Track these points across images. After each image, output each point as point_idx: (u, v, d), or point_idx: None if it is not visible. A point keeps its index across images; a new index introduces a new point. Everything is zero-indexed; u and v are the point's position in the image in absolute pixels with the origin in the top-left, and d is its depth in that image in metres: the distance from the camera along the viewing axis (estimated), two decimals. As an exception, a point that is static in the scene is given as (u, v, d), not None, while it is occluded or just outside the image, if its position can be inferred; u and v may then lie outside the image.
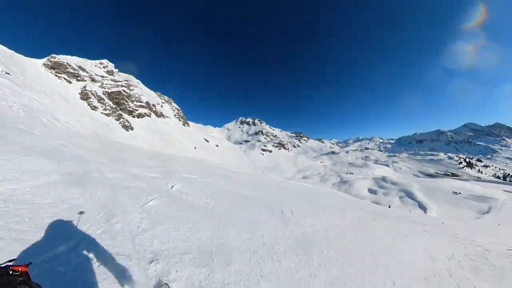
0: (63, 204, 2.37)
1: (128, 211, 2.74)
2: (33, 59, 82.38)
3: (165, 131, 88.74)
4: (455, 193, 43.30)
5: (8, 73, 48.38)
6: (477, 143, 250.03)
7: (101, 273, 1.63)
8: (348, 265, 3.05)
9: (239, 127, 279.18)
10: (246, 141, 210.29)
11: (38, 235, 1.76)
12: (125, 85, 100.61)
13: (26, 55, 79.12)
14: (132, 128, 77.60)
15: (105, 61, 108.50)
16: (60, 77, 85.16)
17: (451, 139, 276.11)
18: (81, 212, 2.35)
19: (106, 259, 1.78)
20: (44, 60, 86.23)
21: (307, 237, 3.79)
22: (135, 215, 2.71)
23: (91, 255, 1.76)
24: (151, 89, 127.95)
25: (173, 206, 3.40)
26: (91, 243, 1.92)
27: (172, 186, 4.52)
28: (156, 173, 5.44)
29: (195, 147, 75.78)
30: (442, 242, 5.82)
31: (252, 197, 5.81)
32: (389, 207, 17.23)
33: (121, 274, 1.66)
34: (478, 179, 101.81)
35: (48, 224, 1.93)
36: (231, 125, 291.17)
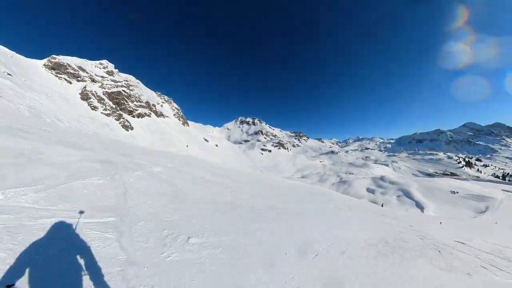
0: (90, 168, 4.46)
1: (124, 175, 4.70)
2: (33, 60, 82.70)
3: (165, 131, 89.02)
4: (453, 192, 43.60)
5: (10, 74, 48.69)
6: (477, 142, 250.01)
7: (107, 188, 3.68)
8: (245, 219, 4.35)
9: (239, 126, 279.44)
10: (246, 141, 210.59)
11: (80, 177, 3.79)
12: (125, 85, 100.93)
13: (26, 56, 79.38)
14: (132, 128, 77.95)
15: (105, 62, 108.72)
16: (61, 77, 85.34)
17: (451, 139, 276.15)
18: (99, 171, 4.40)
19: (111, 186, 3.83)
20: (45, 60, 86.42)
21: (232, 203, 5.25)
22: (127, 177, 4.65)
23: (105, 182, 3.87)
24: (151, 89, 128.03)
25: (150, 177, 5.25)
26: (104, 179, 4.00)
27: (154, 169, 6.22)
28: (146, 162, 7.07)
29: (187, 145, 77.08)
30: (379, 229, 6.19)
31: (212, 181, 7.35)
32: (382, 206, 17.56)
33: (115, 191, 3.72)
34: (477, 178, 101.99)
35: (85, 171, 4.12)
36: (230, 124, 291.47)
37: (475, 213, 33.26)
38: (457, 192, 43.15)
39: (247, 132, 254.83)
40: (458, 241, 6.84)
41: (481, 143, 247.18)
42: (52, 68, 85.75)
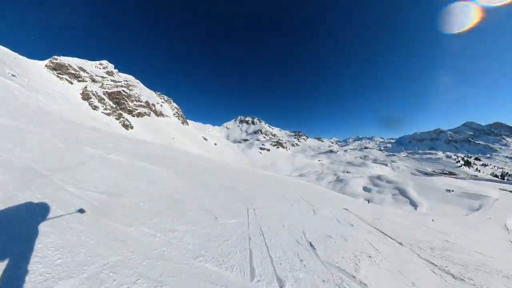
0: (110, 139, 7.72)
1: (122, 145, 7.42)
2: (36, 61, 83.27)
3: (164, 130, 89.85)
4: (448, 190, 44.19)
5: (14, 75, 49.55)
6: (477, 142, 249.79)
7: (115, 146, 6.78)
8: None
9: (238, 126, 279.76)
10: (245, 140, 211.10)
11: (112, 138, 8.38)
12: (124, 85, 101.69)
13: (28, 57, 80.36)
14: (132, 127, 78.80)
15: (105, 62, 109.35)
16: (62, 78, 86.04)
17: (451, 138, 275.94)
18: (113, 141, 7.68)
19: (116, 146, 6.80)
20: (47, 61, 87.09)
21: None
22: (125, 145, 7.48)
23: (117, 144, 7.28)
24: (152, 89, 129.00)
25: (133, 145, 8.09)
26: (115, 144, 7.11)
27: (140, 146, 8.73)
28: (137, 143, 10.11)
29: (173, 138, 79.39)
30: (288, 194, 8.59)
31: (175, 156, 9.50)
32: (368, 202, 18.41)
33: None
34: (475, 177, 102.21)
35: (110, 139, 7.81)
36: (230, 124, 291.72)
37: (468, 211, 33.80)
38: (453, 191, 43.73)
39: (246, 131, 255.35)
40: (345, 208, 8.66)
41: (481, 142, 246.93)
42: (54, 69, 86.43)
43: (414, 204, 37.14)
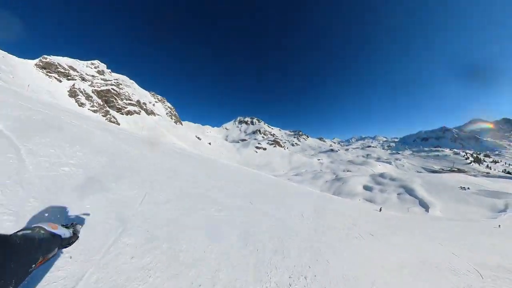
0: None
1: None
2: (25, 60, 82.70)
3: (153, 127, 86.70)
4: (463, 188, 38.70)
5: (-2, 72, 47.56)
6: (484, 139, 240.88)
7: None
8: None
9: (238, 126, 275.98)
10: (243, 140, 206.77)
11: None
12: (114, 84, 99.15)
13: (23, 57, 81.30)
14: (118, 124, 75.82)
15: (96, 62, 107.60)
16: (51, 76, 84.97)
17: (456, 136, 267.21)
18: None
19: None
20: (36, 60, 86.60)
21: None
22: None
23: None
24: (148, 89, 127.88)
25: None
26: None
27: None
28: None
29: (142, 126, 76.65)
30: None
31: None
32: (380, 210, 13.24)
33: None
34: (488, 175, 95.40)
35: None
36: (229, 124, 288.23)
37: (492, 212, 28.41)
38: (468, 188, 38.22)
39: (245, 132, 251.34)
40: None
41: (488, 139, 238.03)
42: (43, 68, 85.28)
43: (424, 205, 31.76)
